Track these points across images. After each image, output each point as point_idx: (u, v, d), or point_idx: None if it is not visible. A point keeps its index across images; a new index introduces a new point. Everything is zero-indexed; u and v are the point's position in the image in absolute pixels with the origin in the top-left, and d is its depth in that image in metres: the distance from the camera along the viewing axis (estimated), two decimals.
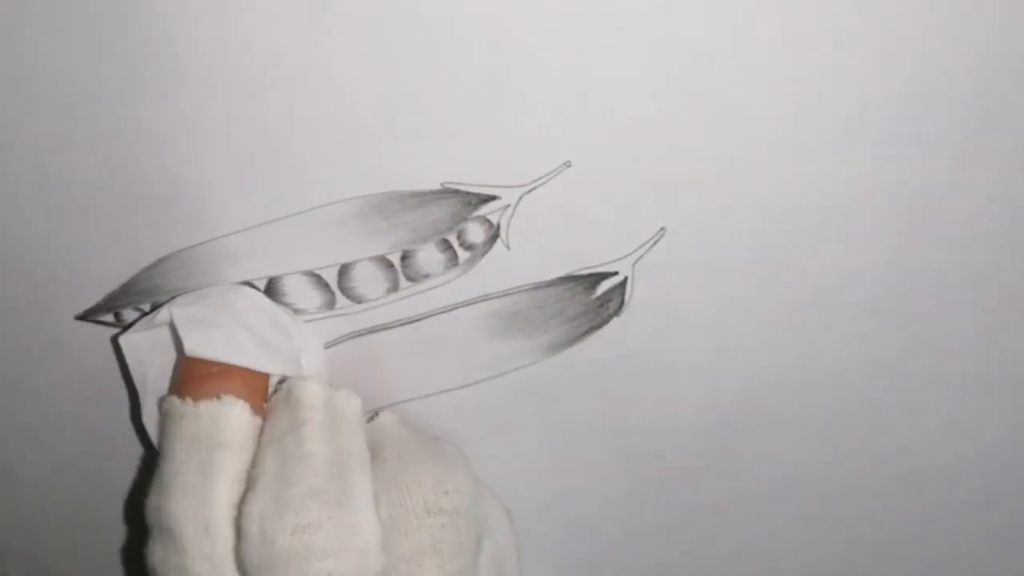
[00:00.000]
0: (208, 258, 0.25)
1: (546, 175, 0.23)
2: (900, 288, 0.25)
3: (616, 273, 0.24)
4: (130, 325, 0.25)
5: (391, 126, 0.22)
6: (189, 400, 0.21)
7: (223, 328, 0.23)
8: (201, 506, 0.20)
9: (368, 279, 0.25)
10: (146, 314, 0.25)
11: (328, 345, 0.26)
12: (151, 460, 0.26)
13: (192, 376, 0.22)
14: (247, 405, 0.22)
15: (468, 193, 0.23)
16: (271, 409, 0.22)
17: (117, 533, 0.32)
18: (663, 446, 0.27)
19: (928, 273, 0.24)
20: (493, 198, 0.23)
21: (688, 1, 0.20)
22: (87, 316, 0.26)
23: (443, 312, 0.25)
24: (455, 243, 0.24)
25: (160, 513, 0.21)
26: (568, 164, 0.23)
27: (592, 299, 0.25)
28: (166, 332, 0.24)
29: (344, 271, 0.25)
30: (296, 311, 0.25)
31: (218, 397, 0.21)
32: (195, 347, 0.22)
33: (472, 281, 0.24)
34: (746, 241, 0.24)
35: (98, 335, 0.26)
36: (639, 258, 0.24)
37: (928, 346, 0.26)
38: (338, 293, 0.25)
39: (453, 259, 0.24)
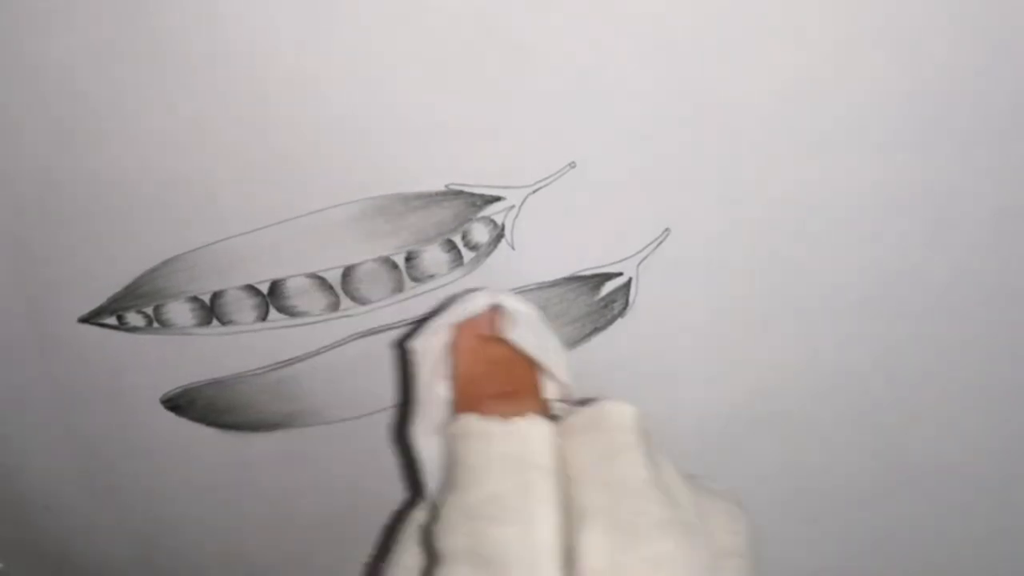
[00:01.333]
0: (212, 260, 0.25)
1: (551, 176, 0.23)
2: (904, 289, 0.25)
3: (620, 274, 0.24)
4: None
5: (395, 128, 0.22)
6: (496, 418, 0.20)
7: (533, 328, 0.22)
8: (529, 533, 0.18)
9: (372, 280, 0.25)
10: (423, 320, 0.23)
11: (333, 346, 0.26)
12: (413, 476, 0.24)
13: (485, 394, 0.21)
14: (551, 425, 0.20)
15: (473, 194, 0.23)
16: (569, 434, 0.20)
17: (117, 533, 0.32)
18: (666, 447, 0.27)
19: (930, 273, 0.24)
20: (498, 199, 0.23)
21: (692, 2, 0.20)
22: (90, 319, 0.26)
23: None
24: (460, 243, 0.24)
25: (476, 539, 0.19)
26: (573, 165, 0.23)
27: (596, 300, 0.25)
28: (440, 336, 0.22)
29: (348, 273, 0.25)
30: (300, 313, 0.25)
31: (523, 416, 0.20)
32: (522, 338, 0.21)
33: (477, 281, 0.24)
34: (750, 242, 0.24)
35: (101, 338, 0.26)
36: (643, 259, 0.24)
37: (930, 346, 0.26)
38: (342, 295, 0.25)
39: (458, 259, 0.24)
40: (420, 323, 0.23)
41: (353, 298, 0.25)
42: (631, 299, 0.25)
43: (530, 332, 0.21)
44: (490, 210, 0.23)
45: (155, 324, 0.26)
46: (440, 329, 0.22)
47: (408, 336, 0.23)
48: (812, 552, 0.30)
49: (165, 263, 0.25)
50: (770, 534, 0.29)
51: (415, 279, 0.24)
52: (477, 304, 0.22)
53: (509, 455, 0.19)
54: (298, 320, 0.26)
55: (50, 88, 0.22)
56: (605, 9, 0.20)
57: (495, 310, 0.22)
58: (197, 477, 0.30)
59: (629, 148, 0.22)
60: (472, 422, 0.20)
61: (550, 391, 0.22)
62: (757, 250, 0.24)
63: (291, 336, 0.26)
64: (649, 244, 0.24)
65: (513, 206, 0.23)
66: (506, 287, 0.25)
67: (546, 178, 0.23)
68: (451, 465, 0.21)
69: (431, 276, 0.24)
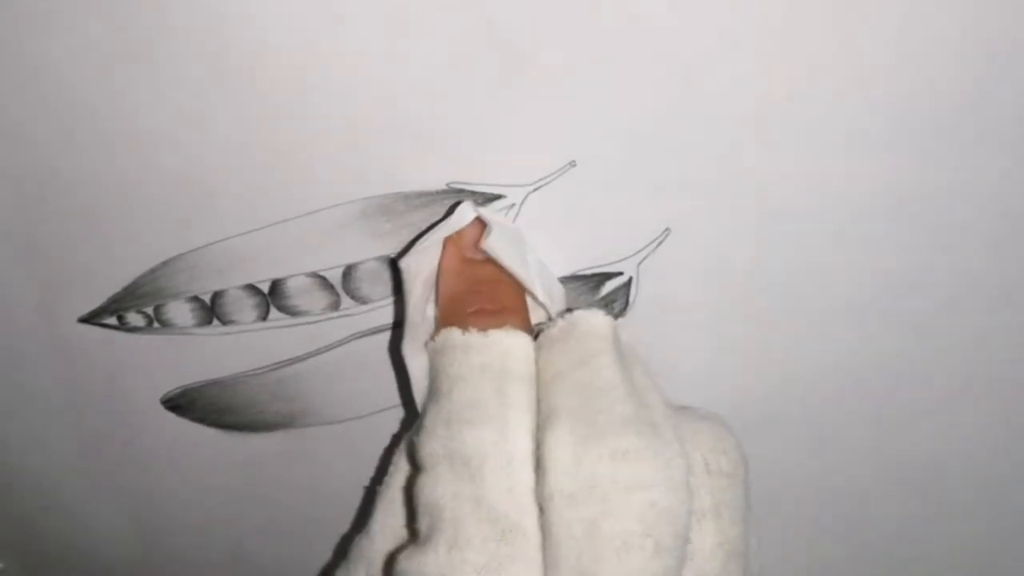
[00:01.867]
0: (213, 260, 0.25)
1: (551, 175, 0.23)
2: (903, 288, 0.25)
3: (621, 273, 0.24)
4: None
5: (396, 127, 0.22)
6: (474, 331, 0.20)
7: (512, 242, 0.22)
8: (504, 437, 0.19)
9: (373, 280, 0.25)
10: (419, 236, 0.23)
11: (334, 346, 0.26)
12: (407, 393, 0.24)
13: (468, 312, 0.21)
14: (530, 338, 0.21)
15: (473, 192, 0.23)
16: (546, 345, 0.21)
17: (117, 534, 0.32)
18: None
19: (929, 273, 0.24)
20: (498, 197, 0.23)
21: (691, 2, 0.20)
22: (90, 319, 0.26)
23: None
24: None
25: (454, 443, 0.19)
26: (573, 164, 0.23)
27: (596, 299, 0.25)
28: (430, 257, 0.23)
29: (349, 272, 0.25)
30: (301, 313, 0.25)
31: (502, 329, 0.21)
32: (496, 247, 0.21)
33: None
34: (750, 242, 0.24)
35: (101, 338, 0.26)
36: (644, 258, 0.24)
37: (930, 347, 0.26)
38: (343, 294, 0.25)
39: None
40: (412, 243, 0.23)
41: (354, 297, 0.25)
42: (631, 299, 0.25)
43: (506, 244, 0.22)
44: (491, 208, 0.23)
45: (155, 324, 0.26)
46: (429, 247, 0.22)
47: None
48: (812, 552, 0.30)
49: (165, 263, 0.25)
50: (770, 534, 0.29)
51: None
52: (463, 218, 0.22)
53: (487, 364, 0.20)
54: (299, 319, 0.26)
55: (50, 88, 0.22)
56: (605, 10, 0.20)
57: (479, 224, 0.22)
58: (197, 477, 0.30)
59: (629, 148, 0.22)
60: (453, 335, 0.21)
61: (536, 316, 0.23)
62: (757, 249, 0.24)
63: (291, 336, 0.26)
64: (649, 244, 0.24)
65: (513, 204, 0.23)
66: None
67: (546, 177, 0.23)
68: (433, 378, 0.21)
69: None
